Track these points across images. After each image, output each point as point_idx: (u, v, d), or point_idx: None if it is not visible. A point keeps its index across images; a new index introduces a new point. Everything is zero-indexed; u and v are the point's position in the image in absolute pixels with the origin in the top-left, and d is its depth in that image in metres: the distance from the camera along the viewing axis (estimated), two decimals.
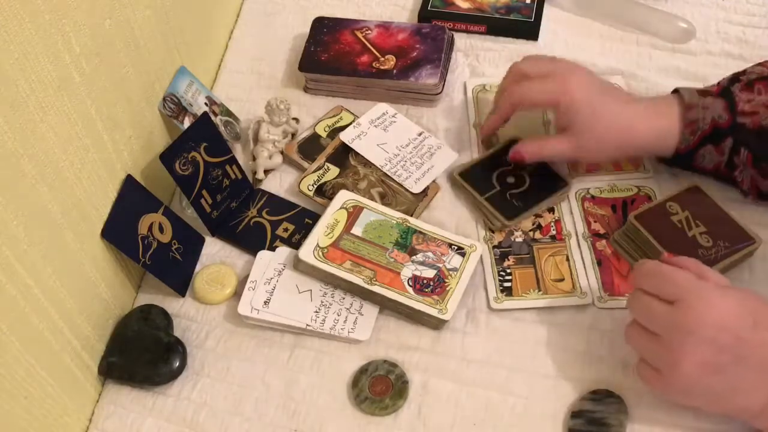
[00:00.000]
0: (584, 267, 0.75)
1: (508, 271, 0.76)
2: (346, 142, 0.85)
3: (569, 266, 0.75)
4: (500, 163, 0.82)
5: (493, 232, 0.79)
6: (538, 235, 0.78)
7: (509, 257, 0.77)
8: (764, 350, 0.57)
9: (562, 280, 0.75)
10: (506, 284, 0.75)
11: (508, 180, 0.80)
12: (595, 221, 0.78)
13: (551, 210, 0.80)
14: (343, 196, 0.78)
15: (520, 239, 0.78)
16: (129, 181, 0.72)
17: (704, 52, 0.92)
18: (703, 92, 0.74)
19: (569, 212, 0.80)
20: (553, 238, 0.78)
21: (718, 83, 0.76)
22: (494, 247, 0.78)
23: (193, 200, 0.77)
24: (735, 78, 0.75)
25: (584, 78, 0.76)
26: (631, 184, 0.81)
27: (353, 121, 0.88)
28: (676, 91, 0.76)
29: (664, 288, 0.60)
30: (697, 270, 0.62)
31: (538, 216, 0.79)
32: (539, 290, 0.74)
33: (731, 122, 0.72)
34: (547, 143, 0.79)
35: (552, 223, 0.79)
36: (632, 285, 0.65)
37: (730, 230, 0.73)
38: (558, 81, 0.75)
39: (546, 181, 0.80)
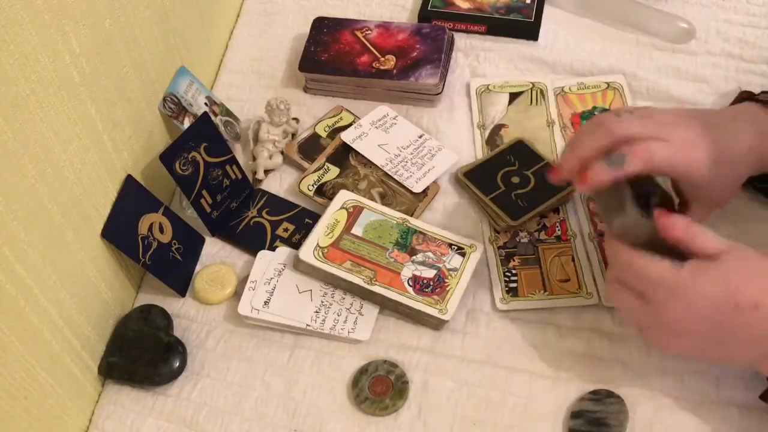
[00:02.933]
0: (590, 267, 0.75)
1: (514, 271, 0.76)
2: (347, 142, 0.85)
3: (575, 266, 0.75)
4: (505, 163, 0.82)
5: (498, 232, 0.79)
6: (543, 235, 0.78)
7: (514, 258, 0.77)
8: (746, 329, 0.58)
9: (567, 280, 0.75)
10: (512, 285, 0.75)
11: (512, 180, 0.80)
12: (600, 222, 0.78)
13: (556, 210, 0.80)
14: (343, 196, 0.78)
15: (525, 240, 0.78)
16: (129, 181, 0.72)
17: (704, 52, 0.92)
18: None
19: (574, 213, 0.79)
20: (558, 238, 0.78)
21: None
22: (499, 247, 0.78)
23: (193, 200, 0.77)
24: None
25: (689, 131, 0.66)
26: None
27: (353, 121, 0.88)
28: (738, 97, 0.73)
29: (636, 283, 0.61)
30: (685, 234, 0.60)
31: (543, 216, 0.79)
32: (545, 291, 0.74)
33: None
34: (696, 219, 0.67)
35: (557, 224, 0.79)
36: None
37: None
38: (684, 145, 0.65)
39: None
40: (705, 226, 0.61)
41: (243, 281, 0.75)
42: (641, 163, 0.62)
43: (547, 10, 0.96)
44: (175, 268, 0.75)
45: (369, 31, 0.93)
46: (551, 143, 0.85)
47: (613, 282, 0.63)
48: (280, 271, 0.75)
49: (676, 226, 0.61)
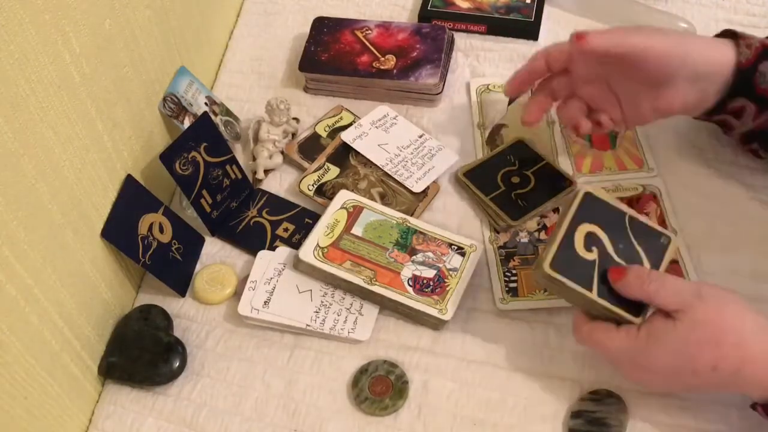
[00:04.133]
0: None
1: (514, 271, 0.76)
2: (348, 142, 0.85)
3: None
4: (505, 163, 0.82)
5: (498, 232, 0.79)
6: (543, 235, 0.78)
7: (515, 258, 0.77)
8: (707, 386, 0.61)
9: None
10: (512, 285, 0.75)
11: (512, 180, 0.80)
12: None
13: (556, 210, 0.80)
14: (343, 196, 0.78)
15: (525, 240, 0.78)
16: (129, 181, 0.72)
17: None
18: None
19: None
20: None
21: None
22: (499, 247, 0.78)
23: (193, 200, 0.77)
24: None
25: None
26: (636, 183, 0.81)
27: (353, 121, 0.88)
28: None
29: (602, 355, 0.64)
30: (642, 293, 0.61)
31: (543, 216, 0.79)
32: (545, 291, 0.74)
33: None
34: (612, 32, 0.71)
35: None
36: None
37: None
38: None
39: (551, 181, 0.80)
40: (672, 277, 0.61)
41: (243, 281, 0.75)
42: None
43: (547, 10, 0.96)
44: (175, 268, 0.75)
45: (369, 31, 0.93)
46: (551, 143, 0.85)
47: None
48: (280, 271, 0.75)
49: (630, 287, 0.61)
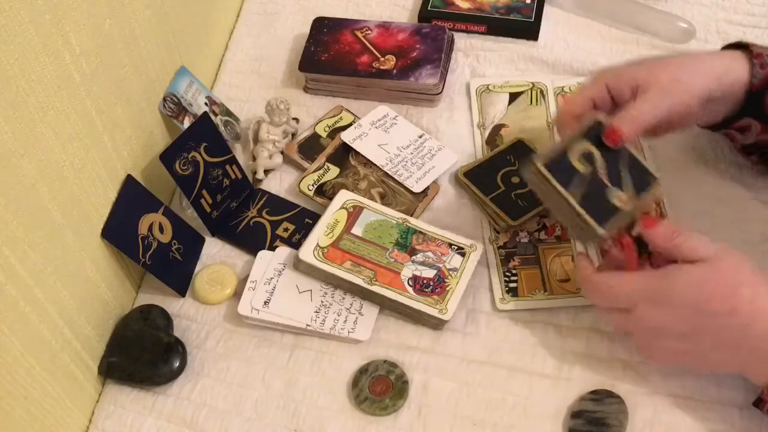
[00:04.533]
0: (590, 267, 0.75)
1: (514, 271, 0.76)
2: (347, 142, 0.85)
3: (575, 267, 0.75)
4: (505, 163, 0.82)
5: (498, 232, 0.79)
6: (543, 235, 0.78)
7: (515, 258, 0.77)
8: (724, 334, 0.60)
9: (567, 280, 0.75)
10: (512, 285, 0.75)
11: (512, 180, 0.80)
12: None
13: None
14: (343, 196, 0.78)
15: (525, 240, 0.78)
16: (129, 181, 0.72)
17: None
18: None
19: None
20: (558, 238, 0.78)
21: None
22: (499, 247, 0.78)
23: (193, 200, 0.77)
24: None
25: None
26: None
27: (353, 121, 0.88)
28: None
29: (616, 302, 0.63)
30: (669, 244, 0.62)
31: (543, 216, 0.79)
32: (545, 291, 0.74)
33: None
34: (637, 110, 0.67)
35: (557, 224, 0.79)
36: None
37: None
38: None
39: None
40: (697, 233, 0.63)
41: (243, 281, 0.75)
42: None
43: (547, 10, 0.96)
44: (175, 268, 0.75)
45: (369, 31, 0.93)
46: (551, 142, 0.85)
47: (596, 306, 0.66)
48: (280, 271, 0.75)
49: (659, 236, 0.63)
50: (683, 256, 0.61)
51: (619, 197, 0.65)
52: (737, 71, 0.69)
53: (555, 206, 0.67)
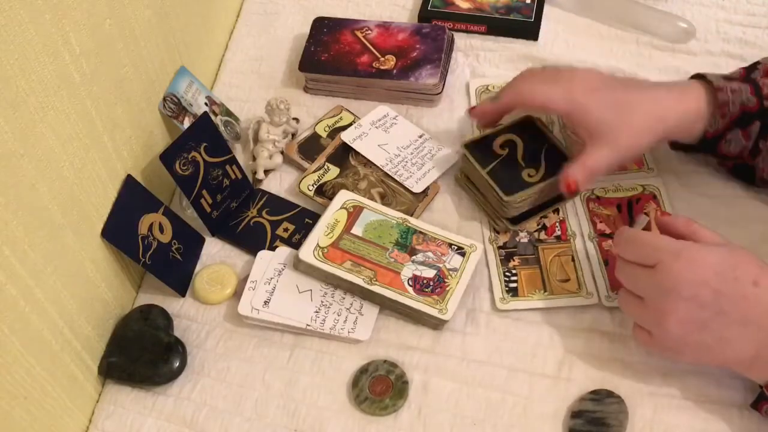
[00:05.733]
0: (590, 267, 0.75)
1: (514, 271, 0.76)
2: (347, 142, 0.85)
3: (575, 266, 0.75)
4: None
5: (498, 232, 0.79)
6: (543, 235, 0.78)
7: (514, 257, 0.77)
8: (745, 304, 0.59)
9: (567, 280, 0.75)
10: (512, 285, 0.75)
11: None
12: (600, 221, 0.78)
13: (556, 211, 0.80)
14: (343, 196, 0.78)
15: (525, 240, 0.78)
16: (129, 181, 0.72)
17: (704, 52, 0.92)
18: (728, 77, 0.73)
19: (574, 213, 0.79)
20: (558, 238, 0.78)
21: (738, 70, 0.75)
22: (499, 247, 0.78)
23: (193, 200, 0.77)
24: (752, 67, 0.74)
25: (589, 80, 0.73)
26: (635, 183, 0.81)
27: (353, 121, 0.88)
28: (696, 76, 0.75)
29: (643, 254, 0.62)
30: (687, 229, 0.63)
31: (542, 216, 0.79)
32: (545, 291, 0.74)
33: (759, 106, 0.71)
34: (591, 161, 0.71)
35: (557, 224, 0.79)
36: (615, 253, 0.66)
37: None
38: (562, 86, 0.73)
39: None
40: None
41: (243, 281, 0.75)
42: (513, 96, 0.76)
43: (547, 10, 0.96)
44: (175, 268, 0.76)
45: (369, 31, 0.93)
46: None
47: (619, 262, 0.65)
48: (280, 271, 0.75)
49: (677, 223, 0.64)
50: (704, 240, 0.62)
51: (529, 173, 0.76)
52: (693, 119, 0.72)
53: (479, 184, 0.78)
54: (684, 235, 0.63)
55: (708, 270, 0.59)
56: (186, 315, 0.75)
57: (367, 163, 0.84)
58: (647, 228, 0.66)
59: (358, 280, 0.72)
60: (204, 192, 0.77)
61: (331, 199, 0.79)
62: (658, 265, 0.60)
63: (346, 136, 0.85)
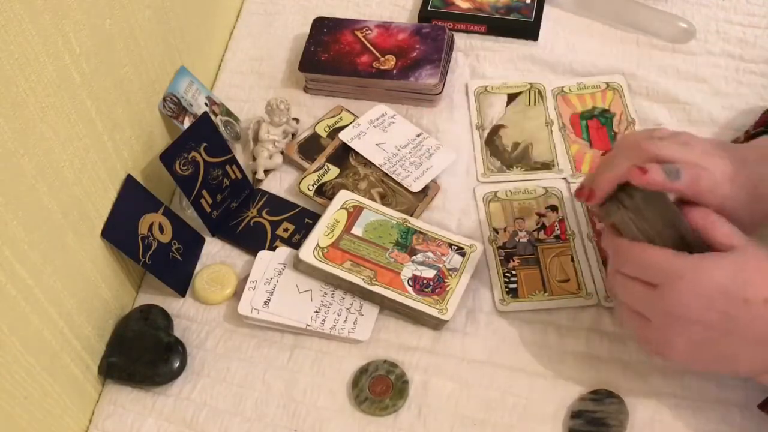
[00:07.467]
0: (589, 267, 0.75)
1: (514, 272, 0.76)
2: (345, 141, 0.85)
3: (574, 267, 0.75)
4: None
5: (497, 231, 0.78)
6: (542, 235, 0.78)
7: (514, 258, 0.77)
8: (757, 324, 0.56)
9: (567, 280, 0.75)
10: (512, 285, 0.75)
11: None
12: (599, 220, 0.78)
13: (555, 210, 0.80)
14: (343, 196, 0.78)
15: (524, 239, 0.78)
16: (129, 181, 0.72)
17: (704, 52, 0.92)
18: None
19: (573, 212, 0.79)
20: (557, 238, 0.78)
21: None
22: (499, 247, 0.78)
23: (193, 200, 0.77)
24: None
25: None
26: None
27: (353, 121, 0.88)
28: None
29: (644, 273, 0.59)
30: (704, 221, 0.60)
31: (542, 216, 0.79)
32: (545, 291, 0.74)
33: None
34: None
35: (556, 223, 0.79)
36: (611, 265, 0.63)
37: None
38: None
39: None
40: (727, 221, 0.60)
41: (243, 281, 0.75)
42: (691, 183, 0.61)
43: (547, 10, 0.96)
44: (175, 268, 0.76)
45: (369, 31, 0.93)
46: (550, 142, 0.85)
47: (615, 275, 0.62)
48: (280, 271, 0.75)
49: (697, 213, 0.60)
50: (718, 239, 0.59)
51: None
52: None
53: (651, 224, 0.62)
54: (699, 228, 0.60)
55: (714, 290, 0.56)
56: (186, 315, 0.75)
57: (367, 163, 0.84)
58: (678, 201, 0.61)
59: (358, 280, 0.72)
60: (204, 192, 0.77)
61: (331, 199, 0.79)
62: (660, 288, 0.58)
63: (344, 136, 0.85)
